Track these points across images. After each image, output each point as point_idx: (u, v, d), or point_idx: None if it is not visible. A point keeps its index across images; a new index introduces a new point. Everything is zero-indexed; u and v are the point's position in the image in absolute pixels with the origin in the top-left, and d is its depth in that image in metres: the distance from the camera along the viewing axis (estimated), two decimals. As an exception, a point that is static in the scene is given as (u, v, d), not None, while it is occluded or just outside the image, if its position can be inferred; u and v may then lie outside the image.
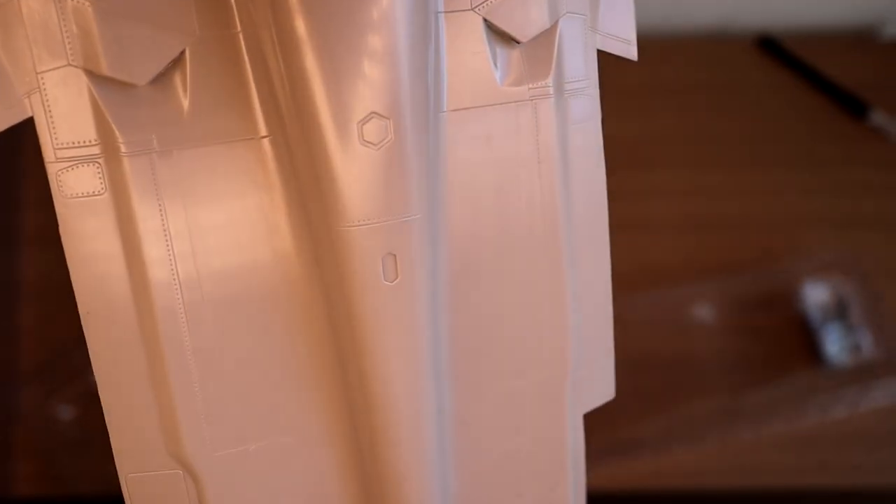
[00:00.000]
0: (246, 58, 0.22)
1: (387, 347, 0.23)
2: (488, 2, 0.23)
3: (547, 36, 0.24)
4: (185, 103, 0.21)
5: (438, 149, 0.23)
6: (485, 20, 0.23)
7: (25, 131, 0.22)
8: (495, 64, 0.23)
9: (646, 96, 0.68)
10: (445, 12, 0.22)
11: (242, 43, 0.21)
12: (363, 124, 0.20)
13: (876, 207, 0.65)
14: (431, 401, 0.24)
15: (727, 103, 0.69)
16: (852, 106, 0.69)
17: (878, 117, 0.68)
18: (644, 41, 0.82)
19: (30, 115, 0.21)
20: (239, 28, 0.21)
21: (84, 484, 0.56)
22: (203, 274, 0.22)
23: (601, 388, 0.27)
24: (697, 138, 0.67)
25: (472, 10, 0.22)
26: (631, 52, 0.26)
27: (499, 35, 0.23)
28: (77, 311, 0.63)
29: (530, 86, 0.24)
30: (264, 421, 0.24)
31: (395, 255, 0.22)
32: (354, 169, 0.21)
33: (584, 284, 0.26)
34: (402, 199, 0.21)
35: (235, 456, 0.24)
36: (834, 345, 0.59)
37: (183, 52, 0.21)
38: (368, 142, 0.21)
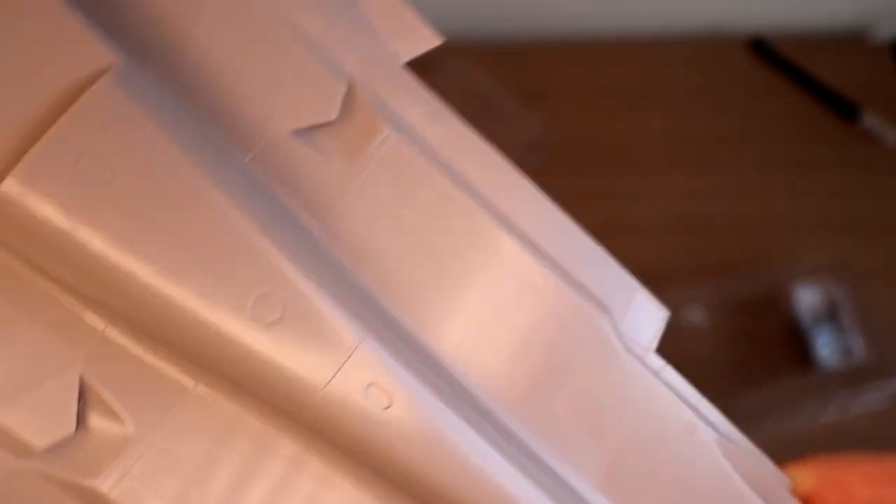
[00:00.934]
0: (129, 341, 0.21)
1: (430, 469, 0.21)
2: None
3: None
4: (124, 420, 0.21)
5: (340, 264, 0.22)
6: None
7: None
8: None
9: (637, 98, 0.68)
10: (253, 157, 0.22)
11: (117, 334, 0.21)
12: (256, 310, 0.20)
13: (867, 210, 0.65)
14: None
15: (719, 106, 0.69)
16: (844, 108, 0.68)
17: (870, 120, 0.68)
18: (636, 43, 0.82)
19: None
20: (103, 326, 0.21)
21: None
22: None
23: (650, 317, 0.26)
24: (689, 141, 0.67)
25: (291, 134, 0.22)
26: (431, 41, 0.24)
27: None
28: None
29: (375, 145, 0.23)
30: None
31: (375, 383, 0.21)
32: (281, 349, 0.20)
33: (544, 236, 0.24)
34: (341, 338, 0.20)
35: None
36: (825, 348, 0.59)
37: (82, 377, 0.20)
38: (274, 321, 0.20)
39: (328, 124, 0.23)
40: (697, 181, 0.65)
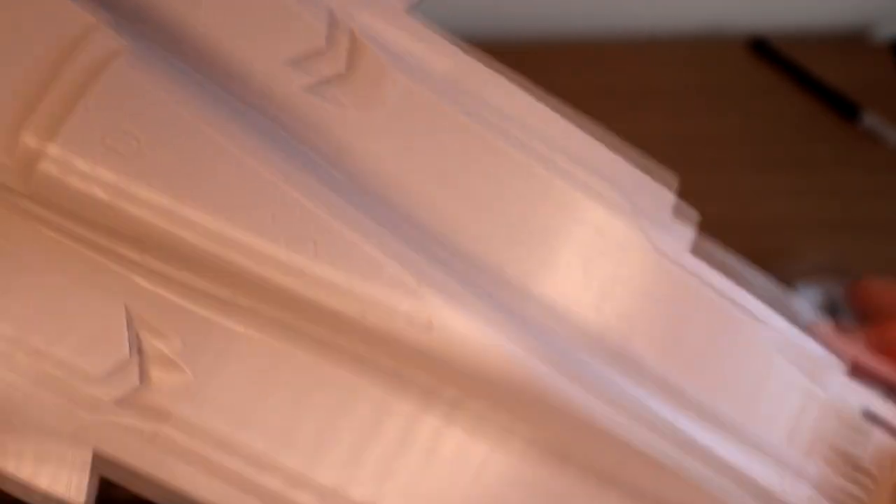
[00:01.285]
0: (177, 296, 0.22)
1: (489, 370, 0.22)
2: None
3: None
4: (182, 368, 0.22)
5: (367, 200, 0.23)
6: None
7: None
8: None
9: (637, 98, 0.68)
10: (271, 117, 0.23)
11: (165, 290, 0.22)
12: (292, 245, 0.21)
13: (868, 210, 0.65)
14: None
15: (719, 106, 0.69)
16: (844, 108, 0.68)
17: (870, 119, 0.68)
18: (635, 43, 0.81)
19: None
20: (152, 286, 0.22)
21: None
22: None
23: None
24: (689, 140, 0.67)
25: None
26: None
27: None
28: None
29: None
30: None
31: (413, 299, 0.21)
32: (319, 279, 0.21)
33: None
34: (374, 260, 0.21)
35: None
36: (825, 348, 0.59)
37: (137, 333, 0.22)
38: (309, 253, 0.21)
39: (338, 76, 0.24)
40: (698, 181, 0.65)
